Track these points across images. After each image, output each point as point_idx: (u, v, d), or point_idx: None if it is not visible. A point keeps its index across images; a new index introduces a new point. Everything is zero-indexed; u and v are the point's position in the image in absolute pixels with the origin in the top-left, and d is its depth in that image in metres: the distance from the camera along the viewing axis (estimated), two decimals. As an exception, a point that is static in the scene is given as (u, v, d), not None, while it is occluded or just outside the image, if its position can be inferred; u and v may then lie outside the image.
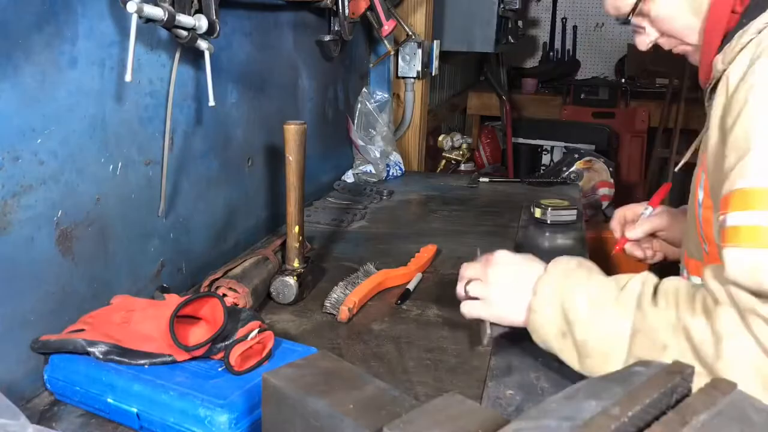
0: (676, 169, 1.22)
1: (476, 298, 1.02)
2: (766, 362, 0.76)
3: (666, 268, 1.31)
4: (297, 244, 1.25)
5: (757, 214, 0.80)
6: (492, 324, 1.02)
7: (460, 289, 1.05)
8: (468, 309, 1.03)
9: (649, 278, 0.89)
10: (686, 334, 0.81)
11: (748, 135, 0.83)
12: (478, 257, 1.07)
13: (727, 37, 0.97)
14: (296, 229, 1.25)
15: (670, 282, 0.88)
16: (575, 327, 0.88)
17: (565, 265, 0.95)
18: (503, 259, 1.01)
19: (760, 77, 0.85)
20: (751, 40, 0.92)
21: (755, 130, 0.82)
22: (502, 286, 0.99)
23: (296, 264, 1.25)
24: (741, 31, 0.93)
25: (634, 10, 1.04)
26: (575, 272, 0.93)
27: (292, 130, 1.24)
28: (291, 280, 1.22)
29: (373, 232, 1.68)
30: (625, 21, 1.07)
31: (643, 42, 1.10)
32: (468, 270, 1.05)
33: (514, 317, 0.98)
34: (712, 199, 0.96)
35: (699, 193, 1.02)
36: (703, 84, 1.05)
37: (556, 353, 0.92)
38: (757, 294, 0.77)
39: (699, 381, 0.58)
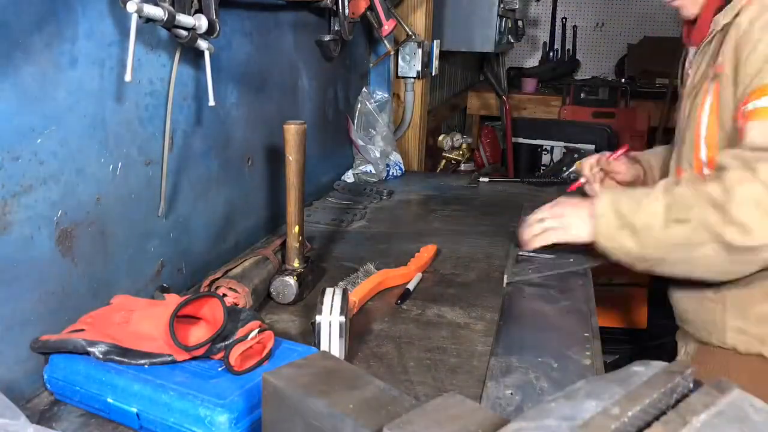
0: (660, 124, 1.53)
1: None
2: (761, 192, 1.04)
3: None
4: (297, 244, 1.25)
5: None
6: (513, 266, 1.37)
7: (527, 232, 1.37)
8: (542, 239, 1.35)
9: (670, 180, 1.22)
10: (704, 195, 1.09)
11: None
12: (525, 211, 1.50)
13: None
14: (296, 229, 1.25)
15: (685, 176, 1.22)
16: (625, 217, 1.17)
17: (608, 191, 1.36)
18: (565, 199, 1.36)
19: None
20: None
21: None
22: (569, 212, 1.31)
23: (296, 264, 1.25)
24: None
25: None
26: (615, 191, 1.31)
27: (292, 130, 1.24)
28: (291, 280, 1.22)
29: (373, 232, 1.68)
30: None
31: None
32: (538, 213, 1.37)
33: (581, 231, 1.27)
34: (722, 112, 1.20)
35: (703, 115, 1.23)
36: (697, 41, 1.29)
37: (619, 244, 1.19)
38: (764, 149, 1.06)
39: (722, 228, 1.05)
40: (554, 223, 1.32)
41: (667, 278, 1.28)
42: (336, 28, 1.84)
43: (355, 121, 2.17)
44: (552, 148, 3.91)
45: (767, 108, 1.07)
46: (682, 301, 1.36)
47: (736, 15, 1.17)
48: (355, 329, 1.12)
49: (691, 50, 1.35)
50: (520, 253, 1.45)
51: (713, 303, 1.27)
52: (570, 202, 1.33)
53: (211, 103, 1.17)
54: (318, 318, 0.98)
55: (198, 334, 0.91)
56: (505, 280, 1.34)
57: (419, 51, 2.34)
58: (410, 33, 2.29)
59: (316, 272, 1.34)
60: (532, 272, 1.38)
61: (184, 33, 1.09)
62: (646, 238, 1.15)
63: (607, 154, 1.60)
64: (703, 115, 1.23)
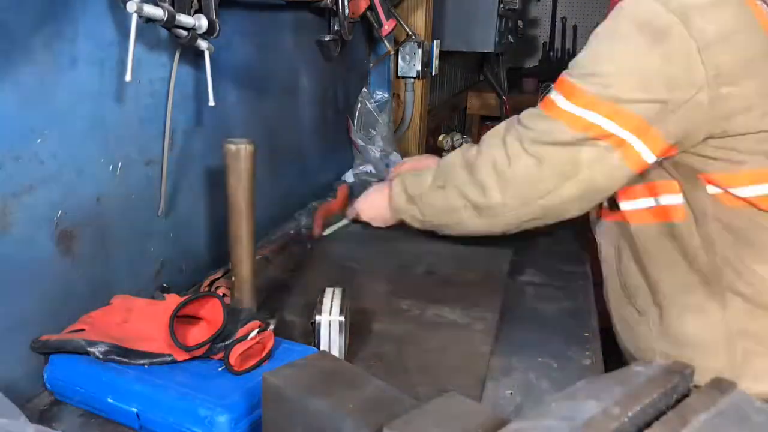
0: None
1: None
2: (502, 157, 1.19)
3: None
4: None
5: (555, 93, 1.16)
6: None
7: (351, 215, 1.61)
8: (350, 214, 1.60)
9: (461, 149, 1.35)
10: (462, 158, 1.29)
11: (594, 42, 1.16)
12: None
13: None
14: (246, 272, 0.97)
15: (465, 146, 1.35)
16: (408, 189, 1.37)
17: (405, 171, 1.50)
18: (375, 188, 1.58)
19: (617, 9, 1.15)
20: None
21: (589, 43, 1.16)
22: (376, 204, 1.51)
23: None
24: None
25: None
26: (413, 172, 1.42)
27: (233, 152, 0.95)
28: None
29: (373, 232, 1.68)
30: None
31: None
32: (356, 209, 1.58)
33: (387, 216, 1.48)
34: None
35: None
36: None
37: (409, 215, 1.39)
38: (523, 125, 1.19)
39: (467, 188, 1.24)
40: (368, 217, 1.54)
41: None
42: (336, 28, 1.84)
43: (355, 121, 2.17)
44: (552, 148, 3.90)
45: (551, 104, 1.15)
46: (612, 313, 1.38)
47: None
48: (355, 329, 1.12)
49: None
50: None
51: (641, 321, 1.27)
52: (376, 192, 1.53)
53: (211, 103, 1.17)
54: (318, 318, 0.98)
55: (198, 334, 0.91)
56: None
57: (419, 51, 2.34)
58: (410, 33, 2.29)
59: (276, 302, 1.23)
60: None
61: (184, 33, 1.09)
62: (423, 207, 1.33)
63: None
64: None
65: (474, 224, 1.27)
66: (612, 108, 1.07)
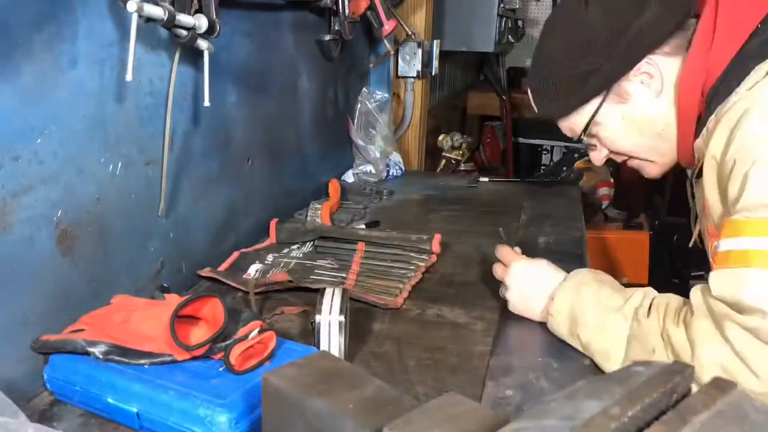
0: (690, 244, 1.26)
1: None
2: (733, 362, 0.87)
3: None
4: None
5: (745, 240, 0.90)
6: None
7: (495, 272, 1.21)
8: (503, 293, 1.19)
9: (648, 293, 1.02)
10: (668, 340, 0.93)
11: (742, 181, 0.93)
12: (502, 238, 1.30)
13: (700, 123, 1.06)
14: None
15: (663, 298, 1.00)
16: (581, 331, 1.04)
17: (582, 277, 1.10)
18: (518, 271, 1.16)
19: (741, 138, 0.95)
20: (719, 119, 1.00)
21: (748, 177, 0.92)
22: (519, 294, 1.16)
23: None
24: (712, 116, 1.03)
25: (584, 131, 1.18)
26: (589, 285, 1.07)
27: None
28: None
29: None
30: (578, 140, 1.22)
31: (597, 157, 1.25)
32: (496, 270, 1.20)
33: (533, 316, 1.15)
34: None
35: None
36: (690, 166, 1.16)
37: (563, 335, 1.08)
38: (733, 305, 0.88)
39: None
40: (507, 294, 1.16)
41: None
42: (336, 28, 1.84)
43: (355, 121, 2.17)
44: (552, 147, 3.91)
45: (730, 252, 0.91)
46: None
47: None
48: (355, 329, 1.12)
49: (689, 171, 1.21)
50: None
51: None
52: (527, 280, 1.14)
53: (206, 103, 1.17)
54: (317, 318, 0.98)
55: (198, 334, 0.91)
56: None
57: (419, 51, 2.34)
58: (410, 33, 2.29)
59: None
60: None
61: (184, 33, 1.09)
62: (597, 361, 1.03)
63: None
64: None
65: None
66: None
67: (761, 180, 0.91)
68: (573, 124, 1.20)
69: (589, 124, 1.17)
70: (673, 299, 0.99)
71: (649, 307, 0.99)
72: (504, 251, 1.19)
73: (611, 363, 0.99)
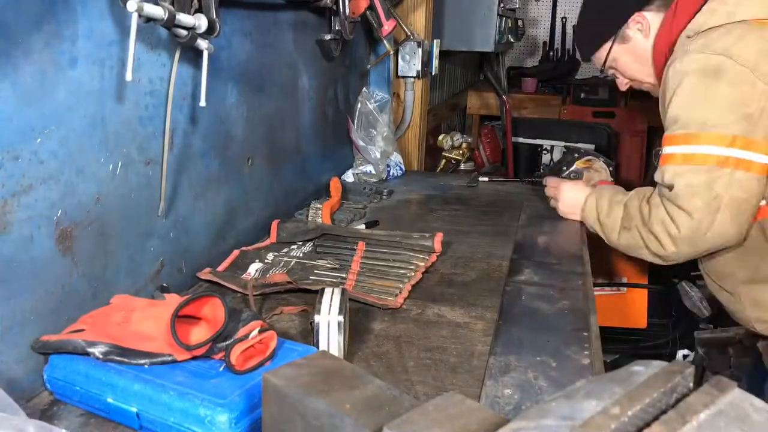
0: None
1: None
2: (666, 219, 1.44)
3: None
4: None
5: (675, 148, 1.46)
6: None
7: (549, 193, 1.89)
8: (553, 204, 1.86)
9: (639, 191, 1.59)
10: (641, 210, 1.52)
11: (673, 103, 1.47)
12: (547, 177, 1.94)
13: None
14: None
15: (642, 190, 1.58)
16: (601, 215, 1.62)
17: (600, 190, 1.70)
18: (563, 189, 1.82)
19: (673, 73, 1.48)
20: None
21: (674, 101, 1.47)
22: (568, 201, 1.79)
23: None
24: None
25: (604, 64, 1.75)
26: (607, 192, 1.66)
27: None
28: None
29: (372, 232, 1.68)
30: (602, 70, 1.78)
31: (621, 83, 1.81)
32: (548, 191, 1.88)
33: (573, 216, 1.77)
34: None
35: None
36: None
37: (594, 229, 1.66)
38: (668, 187, 1.46)
39: (647, 237, 1.49)
40: (561, 210, 1.81)
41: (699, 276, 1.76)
42: (336, 28, 1.84)
43: (355, 121, 2.17)
44: (552, 148, 3.91)
45: (670, 155, 1.45)
46: (716, 296, 1.70)
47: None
48: (355, 329, 1.12)
49: None
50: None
51: (734, 300, 1.60)
52: (577, 192, 1.77)
53: (202, 104, 1.17)
54: (317, 318, 0.98)
55: (198, 333, 0.91)
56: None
57: (419, 51, 2.34)
58: (409, 33, 2.29)
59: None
60: None
61: (183, 32, 1.09)
62: (609, 234, 1.60)
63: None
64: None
65: (652, 257, 1.53)
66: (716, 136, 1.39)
67: (683, 103, 1.45)
68: (597, 60, 1.75)
69: (606, 59, 1.72)
70: (645, 192, 1.56)
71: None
72: (551, 179, 1.88)
73: (615, 232, 1.57)
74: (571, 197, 1.77)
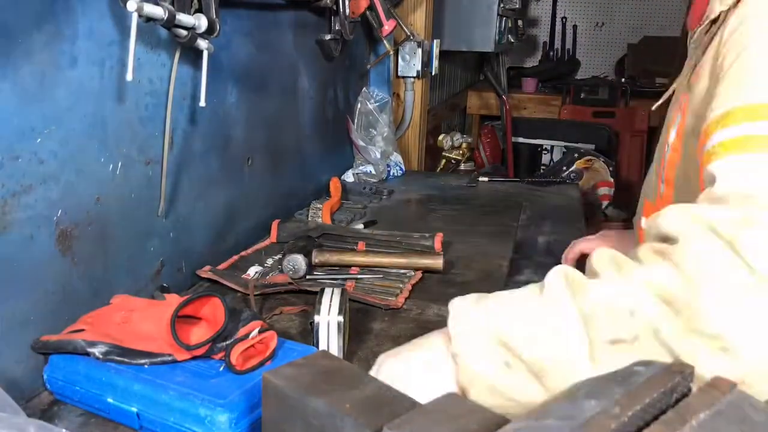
0: (653, 108, 1.14)
1: None
2: (760, 290, 0.60)
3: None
4: None
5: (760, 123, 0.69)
6: None
7: None
8: None
9: (563, 268, 0.72)
10: (648, 287, 0.64)
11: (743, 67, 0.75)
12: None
13: None
14: None
15: (597, 253, 0.72)
16: (518, 348, 0.69)
17: (463, 302, 0.77)
18: (385, 361, 0.82)
19: (755, 20, 0.77)
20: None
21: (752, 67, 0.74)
22: (390, 376, 0.77)
23: None
24: None
25: None
26: (481, 302, 0.76)
27: None
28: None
29: (372, 232, 1.68)
30: None
31: None
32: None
33: (436, 386, 0.73)
34: (686, 138, 0.91)
35: (671, 133, 0.94)
36: (693, 25, 0.97)
37: (509, 398, 0.70)
38: (747, 198, 0.65)
39: (685, 343, 0.60)
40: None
41: None
42: (336, 28, 1.84)
43: (355, 121, 2.17)
44: (552, 148, 3.91)
45: (743, 138, 0.70)
46: None
47: (737, 3, 0.81)
48: (355, 329, 1.12)
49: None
50: None
51: None
52: (397, 359, 0.81)
53: (202, 104, 1.17)
54: (316, 318, 0.98)
55: (199, 333, 0.91)
56: None
57: (419, 51, 2.34)
58: (409, 33, 2.29)
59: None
60: None
61: (183, 32, 1.09)
62: (561, 377, 0.67)
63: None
64: (671, 133, 0.95)
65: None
66: None
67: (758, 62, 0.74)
68: None
69: None
70: (608, 251, 0.72)
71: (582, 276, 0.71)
72: None
73: (577, 367, 0.66)
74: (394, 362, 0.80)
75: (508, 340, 0.70)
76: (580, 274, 0.71)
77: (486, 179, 2.25)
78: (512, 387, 0.70)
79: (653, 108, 1.18)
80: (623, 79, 4.30)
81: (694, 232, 0.65)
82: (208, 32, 1.13)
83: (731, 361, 0.61)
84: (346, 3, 1.79)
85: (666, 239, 0.68)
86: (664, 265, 0.65)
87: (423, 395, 0.62)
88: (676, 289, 0.63)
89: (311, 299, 1.11)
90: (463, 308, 0.76)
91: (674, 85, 1.06)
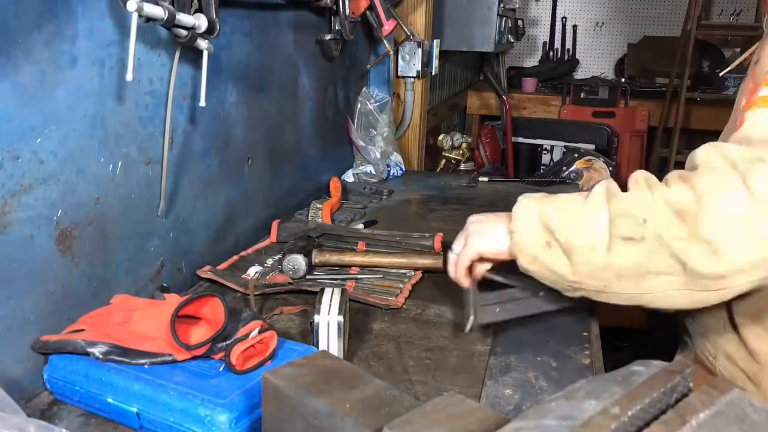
0: (722, 74, 1.36)
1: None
2: (753, 209, 0.78)
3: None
4: None
5: None
6: (475, 311, 1.07)
7: (451, 267, 1.09)
8: (452, 263, 1.08)
9: (607, 181, 0.93)
10: (665, 202, 0.84)
11: None
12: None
13: None
14: None
15: (635, 174, 0.91)
16: (557, 232, 0.91)
17: (528, 198, 1.00)
18: (474, 216, 1.08)
19: None
20: None
21: None
22: (478, 225, 1.05)
23: None
24: None
25: None
26: (544, 196, 0.98)
27: None
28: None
29: (373, 232, 1.68)
30: None
31: None
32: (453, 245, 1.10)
33: (496, 246, 1.00)
34: None
35: (742, 100, 0.99)
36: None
37: (545, 267, 0.93)
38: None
39: (686, 247, 0.80)
40: (462, 240, 1.06)
41: None
42: (336, 28, 1.84)
43: (355, 121, 2.17)
44: (552, 147, 3.91)
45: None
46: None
47: None
48: (355, 329, 1.12)
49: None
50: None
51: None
52: (482, 216, 1.07)
53: (202, 104, 1.17)
54: (316, 318, 0.98)
55: (199, 333, 0.91)
56: (468, 325, 1.06)
57: (419, 50, 2.34)
58: (409, 34, 2.29)
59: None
60: (500, 312, 1.09)
61: (183, 32, 1.09)
62: (582, 263, 0.88)
63: None
64: (743, 99, 0.97)
65: (671, 295, 0.86)
66: None
67: None
68: None
69: None
70: (643, 176, 0.90)
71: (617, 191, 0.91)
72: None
73: (597, 252, 0.86)
74: (487, 218, 1.05)
75: (552, 226, 0.91)
76: (617, 187, 0.91)
77: (486, 179, 2.25)
78: (549, 260, 0.92)
79: (721, 74, 1.34)
80: (623, 79, 4.30)
81: (715, 163, 0.83)
82: (208, 32, 1.13)
83: (717, 261, 0.79)
84: (346, 3, 1.79)
85: (694, 168, 0.86)
86: (683, 186, 0.83)
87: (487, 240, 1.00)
88: (687, 202, 0.81)
89: (311, 299, 1.11)
90: (525, 200, 0.98)
91: (745, 55, 1.19)
